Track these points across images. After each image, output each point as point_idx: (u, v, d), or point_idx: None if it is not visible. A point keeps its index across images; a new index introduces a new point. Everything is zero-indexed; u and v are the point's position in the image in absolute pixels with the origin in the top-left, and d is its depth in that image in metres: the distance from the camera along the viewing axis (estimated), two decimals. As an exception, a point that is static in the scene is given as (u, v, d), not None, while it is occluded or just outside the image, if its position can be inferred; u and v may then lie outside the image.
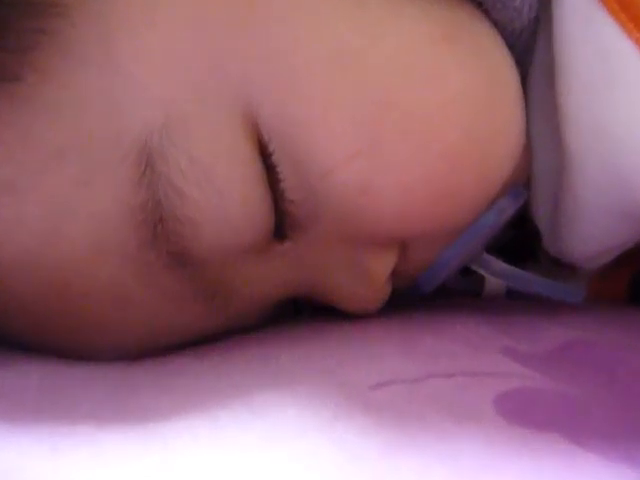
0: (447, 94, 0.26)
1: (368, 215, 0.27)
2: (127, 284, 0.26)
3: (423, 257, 0.30)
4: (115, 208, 0.25)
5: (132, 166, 0.24)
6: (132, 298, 0.26)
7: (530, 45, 0.30)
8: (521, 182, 0.32)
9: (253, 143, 0.25)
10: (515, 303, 0.34)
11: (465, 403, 0.22)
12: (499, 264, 0.32)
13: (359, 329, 0.29)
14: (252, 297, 0.28)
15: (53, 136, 0.24)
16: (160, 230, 0.25)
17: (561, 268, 0.35)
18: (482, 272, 0.33)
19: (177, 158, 0.24)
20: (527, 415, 0.22)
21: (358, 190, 0.26)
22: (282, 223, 0.27)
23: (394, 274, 0.29)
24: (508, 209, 0.30)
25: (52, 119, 0.24)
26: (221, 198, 0.25)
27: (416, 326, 0.29)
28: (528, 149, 0.30)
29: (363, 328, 0.29)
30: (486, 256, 0.32)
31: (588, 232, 0.31)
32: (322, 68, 0.26)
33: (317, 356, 0.26)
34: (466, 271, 0.32)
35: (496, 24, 0.29)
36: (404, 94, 0.26)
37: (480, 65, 0.27)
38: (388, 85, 0.26)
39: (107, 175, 0.24)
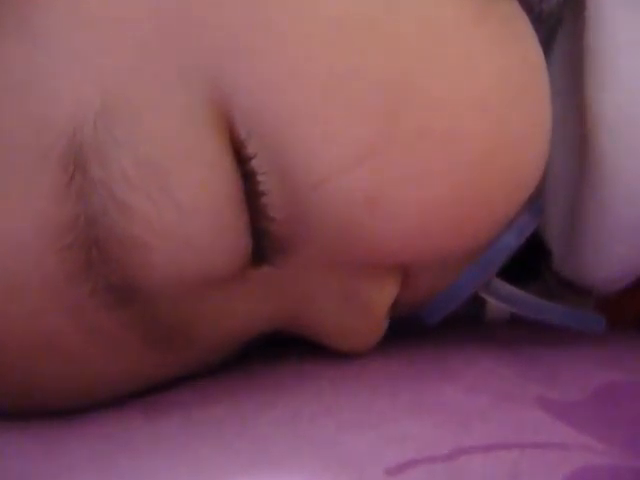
0: (477, 83, 0.20)
1: (374, 236, 0.20)
2: (53, 329, 0.19)
3: (430, 285, 0.23)
4: (33, 227, 0.17)
5: (56, 169, 0.17)
6: (60, 346, 0.19)
7: (551, 35, 0.24)
8: (535, 195, 0.25)
9: (225, 141, 0.18)
10: (521, 332, 0.27)
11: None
12: (509, 289, 0.25)
13: (355, 374, 0.21)
14: (219, 336, 0.21)
15: None
16: (96, 256, 0.18)
17: (568, 291, 0.28)
18: (489, 298, 0.25)
19: (119, 158, 0.17)
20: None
21: (363, 204, 0.19)
22: (260, 244, 0.19)
23: (393, 304, 0.22)
24: (528, 228, 0.23)
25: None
26: (180, 214, 0.18)
27: (426, 369, 0.21)
28: None
29: (360, 373, 0.21)
30: (494, 280, 0.25)
31: (617, 251, 0.24)
32: (321, 42, 0.18)
33: (305, 416, 0.19)
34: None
35: (521, 4, 0.22)
36: (426, 81, 0.19)
37: (512, 51, 0.21)
38: (406, 68, 0.19)
39: (21, 182, 0.17)
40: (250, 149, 0.18)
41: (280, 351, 0.24)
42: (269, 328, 0.22)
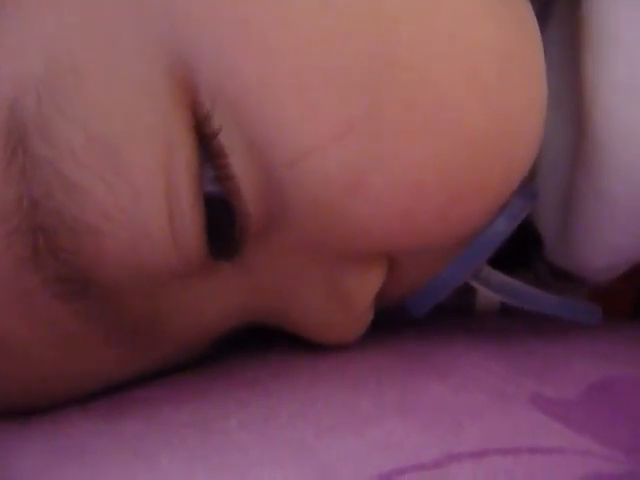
0: (467, 52, 0.17)
1: (354, 221, 0.17)
2: (2, 323, 0.15)
3: (416, 274, 0.21)
4: None
5: None
6: (10, 342, 0.16)
7: (547, 10, 0.22)
8: (528, 177, 0.23)
9: (188, 114, 0.16)
10: (513, 323, 0.26)
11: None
12: (500, 278, 0.23)
13: (337, 369, 0.19)
14: (188, 332, 0.19)
15: None
16: (42, 244, 0.15)
17: (560, 280, 0.26)
18: (480, 287, 0.23)
19: (66, 133, 0.15)
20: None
21: (342, 185, 0.16)
22: (229, 233, 0.17)
23: (378, 295, 0.20)
24: (521, 213, 0.21)
25: None
26: (135, 197, 0.16)
27: (412, 365, 0.19)
28: None
29: (342, 368, 0.19)
30: (485, 268, 0.23)
31: (612, 239, 0.23)
32: (294, 6, 0.16)
33: (282, 417, 0.17)
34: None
35: None
36: (410, 49, 0.16)
37: (505, 20, 0.18)
38: (390, 32, 0.16)
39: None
40: (215, 123, 0.15)
41: (262, 344, 0.22)
42: (244, 321, 0.20)
